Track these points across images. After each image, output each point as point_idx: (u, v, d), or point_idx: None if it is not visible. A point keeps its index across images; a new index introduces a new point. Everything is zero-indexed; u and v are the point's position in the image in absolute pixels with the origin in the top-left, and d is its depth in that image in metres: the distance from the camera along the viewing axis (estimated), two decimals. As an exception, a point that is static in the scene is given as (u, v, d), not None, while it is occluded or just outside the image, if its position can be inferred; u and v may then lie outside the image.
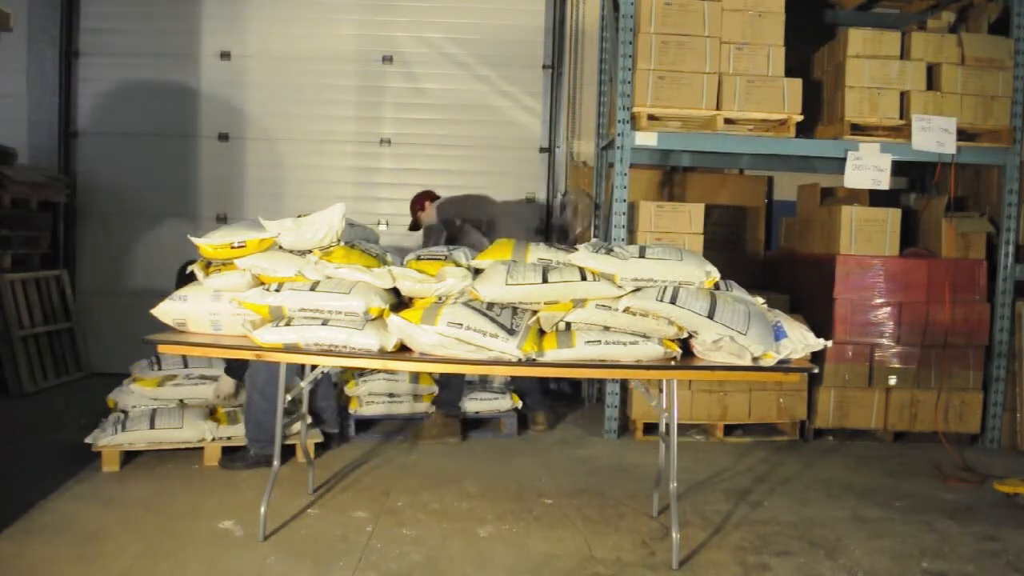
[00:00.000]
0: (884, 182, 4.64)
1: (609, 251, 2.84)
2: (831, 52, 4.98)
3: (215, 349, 2.98)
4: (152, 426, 3.85)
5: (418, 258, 3.00)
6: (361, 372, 4.69)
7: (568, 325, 2.82)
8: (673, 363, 2.80)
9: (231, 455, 3.91)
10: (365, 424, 4.61)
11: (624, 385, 4.72)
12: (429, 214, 5.09)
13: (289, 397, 3.17)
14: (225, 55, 6.07)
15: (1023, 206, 4.75)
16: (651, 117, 4.57)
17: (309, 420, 3.75)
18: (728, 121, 4.57)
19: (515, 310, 2.82)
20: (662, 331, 2.77)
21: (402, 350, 2.82)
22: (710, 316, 2.71)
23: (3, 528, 3.03)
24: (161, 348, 2.87)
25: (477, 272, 2.95)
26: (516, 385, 4.77)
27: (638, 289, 2.79)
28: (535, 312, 2.84)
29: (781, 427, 4.81)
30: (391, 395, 4.62)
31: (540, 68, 6.15)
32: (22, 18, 5.81)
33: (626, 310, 2.75)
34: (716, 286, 2.89)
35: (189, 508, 3.36)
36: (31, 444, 4.22)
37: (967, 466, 4.25)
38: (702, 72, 4.52)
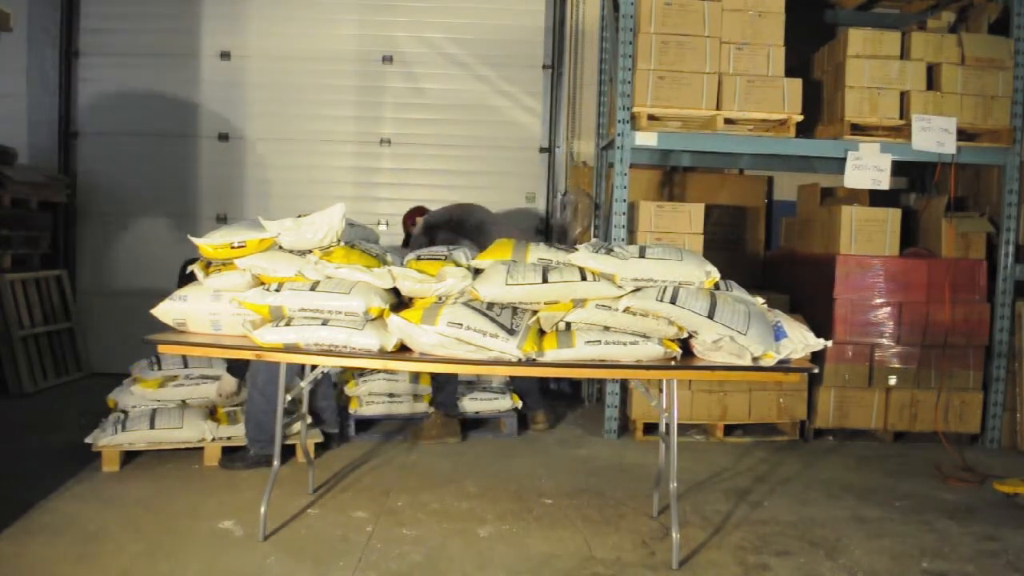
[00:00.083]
0: (884, 182, 4.64)
1: (609, 251, 2.84)
2: (831, 52, 4.98)
3: (215, 349, 2.98)
4: (152, 426, 3.85)
5: (418, 258, 3.00)
6: (361, 372, 4.69)
7: (568, 325, 2.82)
8: (673, 363, 2.80)
9: (231, 455, 3.91)
10: (365, 424, 4.61)
11: (624, 385, 4.72)
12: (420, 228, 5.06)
13: (289, 397, 3.17)
14: (225, 55, 6.07)
15: (1023, 206, 4.75)
16: (651, 117, 4.57)
17: (309, 420, 3.75)
18: (728, 121, 4.57)
19: (515, 310, 2.82)
20: (662, 331, 2.77)
21: (402, 350, 2.82)
22: (710, 316, 2.71)
23: (3, 528, 3.03)
24: (161, 348, 2.87)
25: (477, 272, 2.95)
26: (515, 385, 4.77)
27: (638, 289, 2.79)
28: (535, 312, 2.84)
29: (781, 427, 4.81)
30: (391, 395, 4.62)
31: (540, 68, 6.16)
32: (22, 18, 5.81)
33: (626, 310, 2.75)
34: (716, 286, 2.89)
35: (189, 508, 3.36)
36: (31, 444, 4.22)
37: (967, 466, 4.25)
38: (702, 72, 4.52)
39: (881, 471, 4.23)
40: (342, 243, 2.97)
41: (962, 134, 4.64)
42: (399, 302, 2.96)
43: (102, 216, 6.14)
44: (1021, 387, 4.75)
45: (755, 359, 2.74)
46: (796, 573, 2.93)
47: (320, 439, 4.16)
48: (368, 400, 4.57)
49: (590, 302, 2.80)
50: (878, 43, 4.67)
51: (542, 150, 6.18)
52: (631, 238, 4.69)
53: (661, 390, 3.07)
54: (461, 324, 2.69)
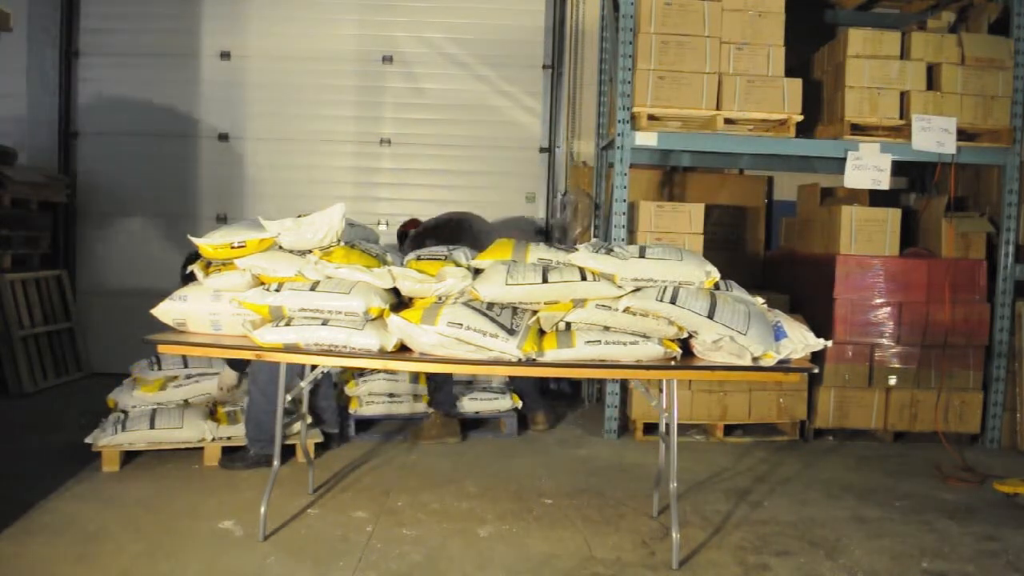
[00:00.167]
0: (884, 182, 4.64)
1: (609, 251, 2.84)
2: (831, 52, 4.98)
3: (215, 349, 2.99)
4: (152, 426, 3.85)
5: (418, 258, 3.00)
6: (361, 372, 4.69)
7: (568, 325, 2.82)
8: (673, 363, 2.80)
9: (231, 455, 3.91)
10: (365, 424, 4.61)
11: (624, 385, 4.72)
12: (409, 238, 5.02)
13: (289, 397, 3.17)
14: (225, 55, 6.07)
15: (1023, 206, 4.75)
16: (651, 117, 4.57)
17: (309, 420, 3.75)
18: (728, 121, 4.57)
19: (515, 310, 2.82)
20: (662, 331, 2.77)
21: (402, 350, 2.82)
22: (710, 316, 2.71)
23: (3, 528, 3.03)
24: (161, 348, 2.87)
25: (477, 272, 2.95)
26: (513, 386, 4.76)
27: (638, 289, 2.79)
28: (535, 312, 2.84)
29: (781, 427, 4.81)
30: (391, 395, 4.62)
31: (540, 68, 6.15)
32: (22, 18, 5.81)
33: (626, 310, 2.75)
34: (716, 286, 2.89)
35: (189, 508, 3.36)
36: (31, 444, 4.22)
37: (967, 466, 4.25)
38: (702, 72, 4.52)
39: (881, 471, 4.22)
40: (342, 243, 2.97)
41: (962, 134, 4.64)
42: (399, 302, 2.96)
43: (102, 216, 6.14)
44: (1021, 387, 4.75)
45: (755, 359, 2.74)
46: (796, 573, 2.93)
47: (320, 439, 4.16)
48: (368, 400, 4.57)
49: (590, 302, 2.80)
50: (878, 43, 4.67)
51: (542, 150, 6.18)
52: (631, 238, 4.69)
53: (661, 390, 3.07)
54: (461, 324, 2.69)
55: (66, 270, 6.04)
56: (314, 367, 3.26)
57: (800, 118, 4.56)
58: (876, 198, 5.02)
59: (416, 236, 4.70)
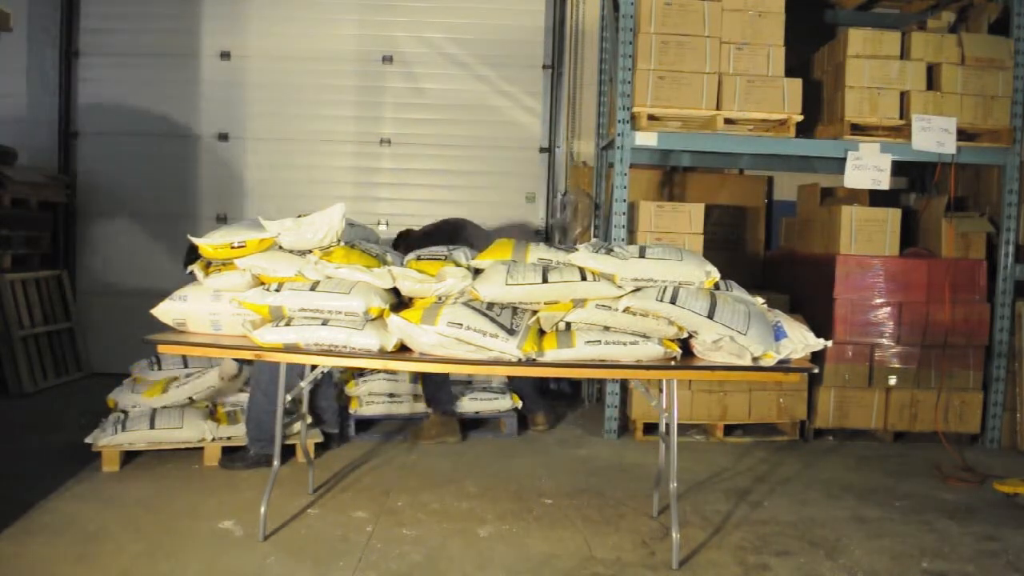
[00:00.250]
0: (884, 182, 4.64)
1: (609, 251, 2.84)
2: (831, 52, 4.98)
3: (215, 349, 2.98)
4: (152, 426, 3.85)
5: (418, 258, 3.00)
6: (361, 372, 4.69)
7: (568, 325, 2.82)
8: (673, 363, 2.80)
9: (231, 455, 3.91)
10: (365, 424, 4.61)
11: (624, 385, 4.72)
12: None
13: (290, 397, 3.17)
14: (225, 55, 6.07)
15: (1023, 206, 4.75)
16: (651, 117, 4.57)
17: (309, 420, 3.75)
18: (728, 121, 4.57)
19: (515, 310, 2.82)
20: (662, 331, 2.77)
21: (402, 350, 2.82)
22: (710, 316, 2.71)
23: (3, 528, 3.03)
24: (161, 348, 2.87)
25: (477, 272, 2.95)
26: (512, 387, 4.76)
27: (638, 289, 2.79)
28: (535, 312, 2.84)
29: (781, 427, 4.81)
30: (391, 395, 4.62)
31: (540, 68, 6.15)
32: (22, 18, 5.82)
33: (626, 310, 2.75)
34: (716, 286, 2.89)
35: (189, 508, 3.36)
36: (31, 444, 4.22)
37: (967, 466, 4.25)
38: (702, 72, 4.52)
39: (881, 471, 4.22)
40: (342, 243, 2.97)
41: (962, 134, 4.64)
42: (399, 302, 2.96)
43: (102, 216, 6.14)
44: (1021, 387, 4.75)
45: (755, 359, 2.74)
46: (796, 573, 2.93)
47: (320, 439, 4.16)
48: (368, 400, 4.57)
49: (590, 302, 2.80)
50: (878, 43, 4.67)
51: (542, 150, 6.18)
52: (631, 238, 4.69)
53: (661, 390, 3.07)
54: (461, 324, 2.69)
55: (66, 270, 6.04)
56: (314, 367, 3.26)
57: (800, 118, 4.56)
58: (876, 198, 5.02)
59: (410, 243, 4.68)
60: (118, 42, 6.04)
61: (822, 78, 5.08)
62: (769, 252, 5.96)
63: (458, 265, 2.94)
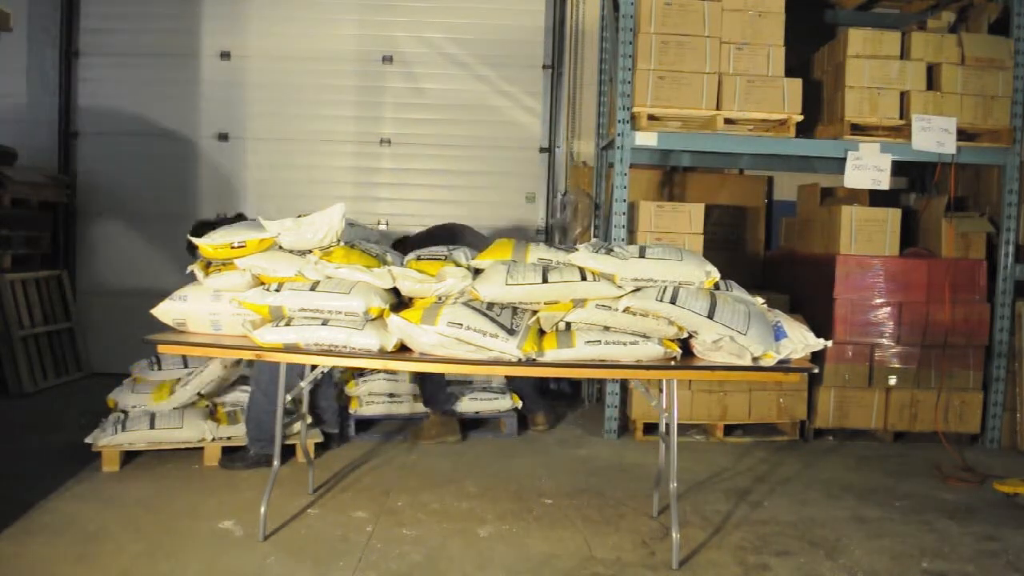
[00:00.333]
0: (884, 182, 4.64)
1: (609, 251, 2.84)
2: (831, 52, 4.98)
3: (215, 349, 2.98)
4: (152, 426, 3.85)
5: (418, 258, 3.00)
6: (361, 372, 4.69)
7: (568, 325, 2.82)
8: (673, 363, 2.80)
9: (231, 455, 3.91)
10: (365, 424, 4.61)
11: (624, 385, 4.72)
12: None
13: (290, 397, 3.18)
14: (225, 55, 6.07)
15: (1023, 206, 4.75)
16: (651, 117, 4.57)
17: (309, 420, 3.75)
18: (728, 121, 4.57)
19: (515, 310, 2.82)
20: (662, 331, 2.77)
21: (402, 350, 2.82)
22: (710, 316, 2.71)
23: (3, 528, 3.03)
24: (161, 348, 2.87)
25: (477, 272, 2.95)
26: (512, 386, 4.76)
27: (638, 289, 2.79)
28: (535, 312, 2.84)
29: (781, 427, 4.81)
30: (391, 395, 4.62)
31: (540, 68, 6.15)
32: (22, 18, 5.82)
33: (626, 310, 2.75)
34: (716, 286, 2.89)
35: (189, 508, 3.36)
36: (31, 444, 4.22)
37: (967, 466, 4.25)
38: (702, 72, 4.52)
39: (881, 471, 4.22)
40: (342, 243, 2.97)
41: (962, 134, 4.64)
42: (399, 302, 2.96)
43: (102, 216, 6.13)
44: (1021, 387, 4.75)
45: (755, 359, 2.74)
46: (796, 573, 2.93)
47: (320, 439, 4.16)
48: (368, 400, 4.57)
49: (590, 302, 2.80)
50: (878, 43, 4.67)
51: (542, 150, 6.18)
52: (631, 238, 4.69)
53: (661, 390, 3.07)
54: (461, 324, 2.69)
55: (66, 270, 6.04)
56: (314, 367, 3.26)
57: (800, 118, 4.56)
58: (876, 198, 5.02)
59: (406, 250, 4.64)
60: (118, 42, 6.04)
61: (822, 78, 5.08)
62: (769, 252, 5.96)
63: (458, 265, 2.94)
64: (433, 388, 4.53)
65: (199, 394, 4.08)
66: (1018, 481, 3.83)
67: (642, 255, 2.82)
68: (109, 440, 3.77)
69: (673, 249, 2.91)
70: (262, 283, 2.92)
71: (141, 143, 6.07)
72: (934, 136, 4.59)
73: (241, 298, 2.85)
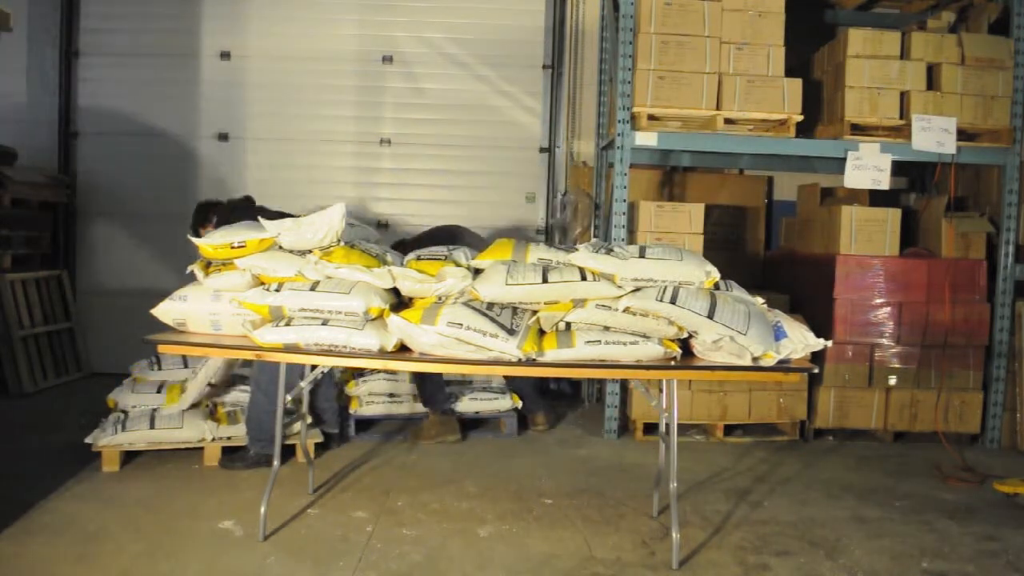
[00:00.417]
0: (884, 182, 4.64)
1: (609, 251, 2.84)
2: (831, 52, 4.98)
3: (215, 349, 2.99)
4: (152, 426, 3.85)
5: (418, 258, 3.00)
6: (361, 372, 4.69)
7: (568, 325, 2.82)
8: (673, 363, 2.80)
9: (231, 455, 3.91)
10: (365, 424, 4.61)
11: (624, 385, 4.72)
12: None
13: (290, 397, 3.18)
14: (225, 55, 6.07)
15: (1023, 206, 4.75)
16: (651, 117, 4.57)
17: (309, 420, 3.75)
18: (728, 121, 4.57)
19: (515, 310, 2.82)
20: (662, 331, 2.77)
21: (402, 350, 2.82)
22: (710, 316, 2.71)
23: (3, 528, 3.03)
24: (161, 348, 2.87)
25: (477, 272, 2.95)
26: (512, 386, 4.76)
27: (638, 289, 2.79)
28: (535, 312, 2.84)
29: (781, 427, 4.81)
30: (391, 395, 4.62)
31: (540, 68, 6.15)
32: (22, 18, 5.82)
33: (626, 310, 2.75)
34: (716, 286, 2.89)
35: (189, 508, 3.36)
36: (31, 444, 4.22)
37: (967, 466, 4.25)
38: (702, 72, 4.52)
39: (881, 471, 4.23)
40: (342, 243, 2.97)
41: (962, 134, 4.64)
42: (399, 302, 2.96)
43: (102, 216, 6.13)
44: (1021, 387, 4.75)
45: (755, 359, 2.74)
46: (796, 573, 2.93)
47: (320, 439, 4.16)
48: (368, 400, 4.57)
49: (590, 302, 2.80)
50: (878, 43, 4.67)
51: (542, 150, 6.18)
52: (631, 238, 4.69)
53: (661, 390, 3.07)
54: (461, 324, 2.69)
55: (66, 270, 6.04)
56: (314, 367, 3.26)
57: (800, 118, 4.57)
58: (876, 198, 5.02)
59: (405, 250, 4.63)
60: (118, 42, 6.04)
61: (822, 78, 5.08)
62: (769, 252, 5.96)
63: (458, 265, 2.94)
64: (432, 388, 4.52)
65: (210, 384, 4.06)
66: (1018, 481, 3.83)
67: (642, 255, 2.82)
68: (109, 440, 3.77)
69: (673, 249, 2.91)
70: (262, 283, 2.92)
71: (141, 143, 6.07)
72: (934, 136, 4.59)
73: (241, 298, 2.85)
